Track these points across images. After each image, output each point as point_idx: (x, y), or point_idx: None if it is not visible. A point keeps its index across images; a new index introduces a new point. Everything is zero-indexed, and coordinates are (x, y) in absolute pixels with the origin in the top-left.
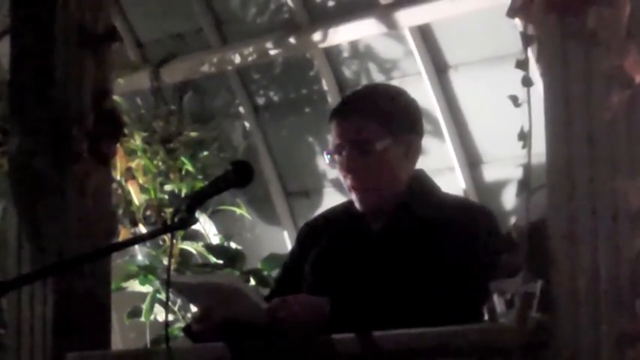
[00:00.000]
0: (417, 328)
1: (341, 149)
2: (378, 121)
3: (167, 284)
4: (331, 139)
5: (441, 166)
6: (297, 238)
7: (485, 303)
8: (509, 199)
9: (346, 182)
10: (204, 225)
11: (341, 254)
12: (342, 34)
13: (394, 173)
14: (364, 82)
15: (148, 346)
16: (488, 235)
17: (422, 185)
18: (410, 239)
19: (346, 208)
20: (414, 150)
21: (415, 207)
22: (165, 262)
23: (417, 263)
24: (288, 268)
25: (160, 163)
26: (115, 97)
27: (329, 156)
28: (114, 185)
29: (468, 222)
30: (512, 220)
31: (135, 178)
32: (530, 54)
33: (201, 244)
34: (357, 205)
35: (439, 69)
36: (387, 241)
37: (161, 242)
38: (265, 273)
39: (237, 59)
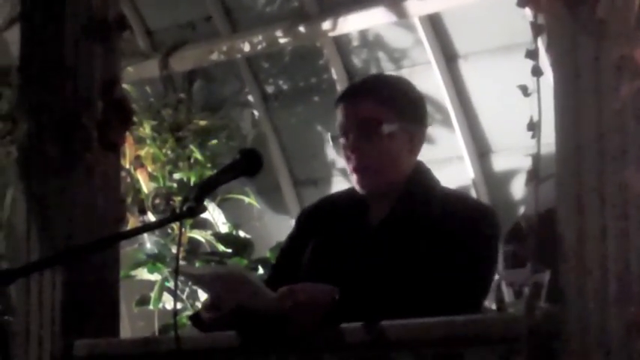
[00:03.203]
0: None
1: (347, 131)
2: (387, 105)
3: (176, 273)
4: (338, 123)
5: (450, 155)
6: (295, 223)
7: (483, 297)
8: (518, 188)
9: (349, 164)
10: (213, 213)
11: (340, 246)
12: (351, 23)
13: (396, 159)
14: (373, 71)
15: (157, 334)
16: (487, 230)
17: (422, 178)
18: (409, 233)
19: (347, 198)
20: (417, 140)
21: (415, 202)
22: (174, 250)
23: (415, 257)
24: (285, 254)
25: (169, 152)
26: (125, 86)
27: (333, 140)
28: (123, 173)
29: (467, 217)
30: (521, 209)
31: (144, 167)
32: (540, 44)
33: (209, 232)
34: (356, 187)
35: (449, 58)
36: (387, 235)
37: (170, 230)
38: (273, 262)
39: (247, 47)
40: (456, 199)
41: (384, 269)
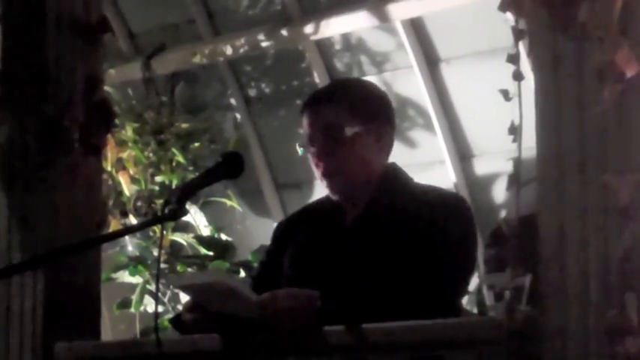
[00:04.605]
0: (391, 320)
1: (313, 139)
2: (348, 109)
3: (157, 276)
4: (303, 132)
5: (432, 159)
6: (273, 235)
7: (460, 294)
8: (499, 192)
9: (318, 171)
10: (195, 216)
11: (317, 248)
12: (333, 27)
13: (364, 160)
14: (356, 74)
15: (138, 336)
16: (461, 224)
17: (394, 177)
18: (383, 231)
19: (322, 204)
20: (385, 139)
21: (388, 199)
22: (156, 253)
23: (390, 255)
24: (265, 266)
25: (151, 154)
26: (107, 88)
27: (302, 148)
28: (104, 176)
29: (441, 212)
30: (503, 213)
31: (126, 169)
32: (522, 48)
33: (191, 235)
34: (329, 192)
35: (431, 62)
36: (361, 234)
37: (151, 233)
38: (255, 265)
39: (229, 51)
40: (430, 193)
41: (360, 268)
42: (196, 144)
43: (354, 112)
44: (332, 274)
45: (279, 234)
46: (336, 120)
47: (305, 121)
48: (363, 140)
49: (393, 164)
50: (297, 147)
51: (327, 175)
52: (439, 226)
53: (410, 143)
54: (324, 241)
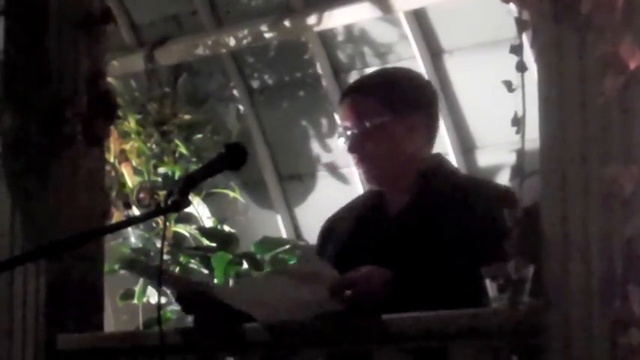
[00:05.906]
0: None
1: (347, 130)
2: (378, 99)
3: (160, 267)
4: (342, 122)
5: (435, 150)
6: (319, 235)
7: None
8: (502, 184)
9: (353, 161)
10: (198, 208)
11: (362, 242)
12: (336, 18)
13: (396, 150)
14: (359, 66)
15: (141, 328)
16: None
17: (439, 168)
18: (427, 222)
19: (364, 198)
20: (420, 129)
21: (432, 190)
22: (159, 244)
23: (434, 246)
24: None
25: (154, 146)
26: (109, 79)
27: (342, 138)
28: (107, 167)
29: (485, 203)
30: None
31: (128, 161)
32: (525, 39)
33: (194, 226)
34: (365, 181)
35: (434, 53)
36: (405, 225)
37: (154, 225)
38: (258, 256)
39: (232, 42)
40: (477, 184)
41: (404, 261)
42: (199, 135)
43: (385, 102)
44: (378, 263)
45: (325, 233)
46: (366, 110)
47: (341, 112)
48: (393, 129)
49: (439, 155)
50: (337, 137)
51: (359, 164)
52: (489, 218)
53: None
54: (368, 235)
